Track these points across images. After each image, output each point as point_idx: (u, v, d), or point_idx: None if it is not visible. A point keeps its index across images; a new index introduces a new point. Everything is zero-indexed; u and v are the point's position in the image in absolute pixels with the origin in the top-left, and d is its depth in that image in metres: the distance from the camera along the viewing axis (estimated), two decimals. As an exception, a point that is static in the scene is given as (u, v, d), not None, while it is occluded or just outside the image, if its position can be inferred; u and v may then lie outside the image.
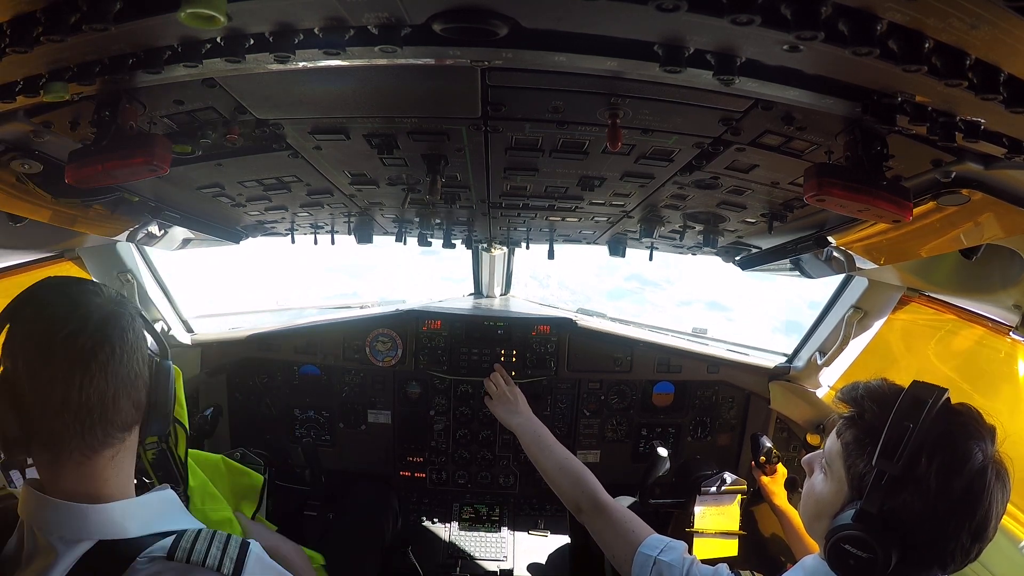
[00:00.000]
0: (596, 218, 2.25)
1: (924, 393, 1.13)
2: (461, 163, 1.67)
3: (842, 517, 1.18)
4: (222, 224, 2.44)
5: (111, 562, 0.99)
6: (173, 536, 1.05)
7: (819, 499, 1.28)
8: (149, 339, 1.16)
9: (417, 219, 2.43)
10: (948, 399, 1.14)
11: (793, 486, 2.66)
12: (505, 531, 3.20)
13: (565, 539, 3.20)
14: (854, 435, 1.21)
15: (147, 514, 1.09)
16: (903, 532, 1.11)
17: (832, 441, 1.28)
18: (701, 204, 1.93)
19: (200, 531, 1.07)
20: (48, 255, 2.31)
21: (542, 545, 3.16)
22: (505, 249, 3.38)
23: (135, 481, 1.16)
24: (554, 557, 3.11)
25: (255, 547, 1.09)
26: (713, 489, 2.49)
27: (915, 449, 1.09)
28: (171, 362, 1.20)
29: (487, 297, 4.07)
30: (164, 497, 1.16)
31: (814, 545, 2.26)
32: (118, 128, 1.18)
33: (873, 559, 1.12)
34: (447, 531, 3.20)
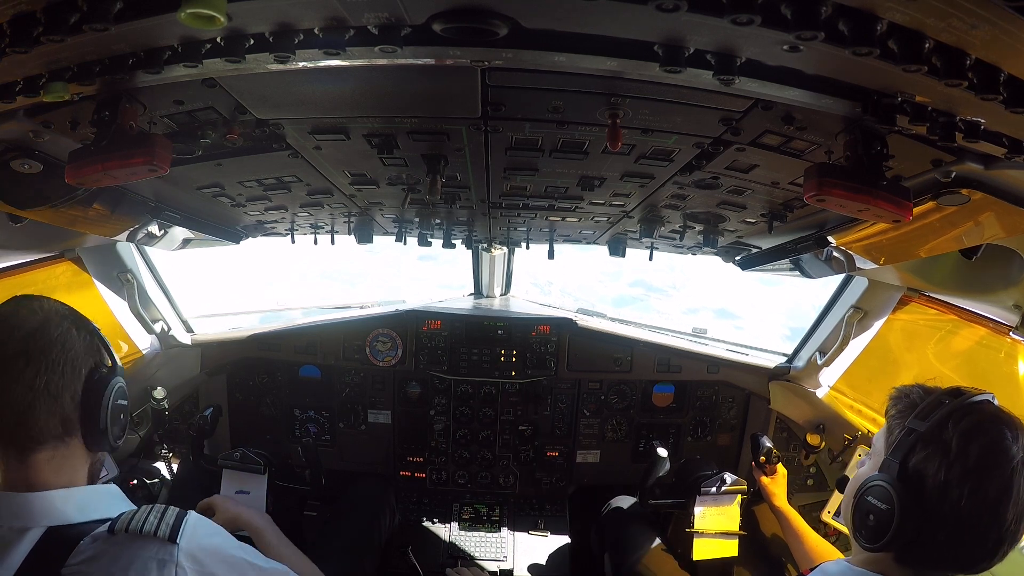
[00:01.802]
0: (596, 218, 2.25)
1: (967, 389, 1.21)
2: (461, 163, 1.67)
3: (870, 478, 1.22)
4: (222, 224, 2.44)
5: (60, 546, 1.06)
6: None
7: (859, 478, 1.31)
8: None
9: (417, 219, 2.43)
10: (992, 401, 1.20)
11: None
12: (505, 531, 3.20)
13: (565, 539, 3.19)
14: (898, 409, 1.26)
15: (88, 501, 1.14)
16: (920, 492, 1.13)
17: (880, 430, 1.32)
18: (701, 204, 1.93)
19: (139, 508, 1.13)
20: (48, 255, 2.31)
21: (542, 545, 3.16)
22: (505, 249, 3.38)
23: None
24: (554, 557, 3.11)
25: (193, 515, 1.16)
26: (713, 489, 2.49)
27: (945, 415, 1.15)
28: (120, 379, 1.22)
29: (487, 297, 4.07)
30: (108, 489, 1.21)
31: (813, 546, 2.28)
32: (118, 128, 1.18)
33: (890, 512, 1.15)
34: (447, 531, 3.20)
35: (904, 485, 1.15)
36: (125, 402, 1.24)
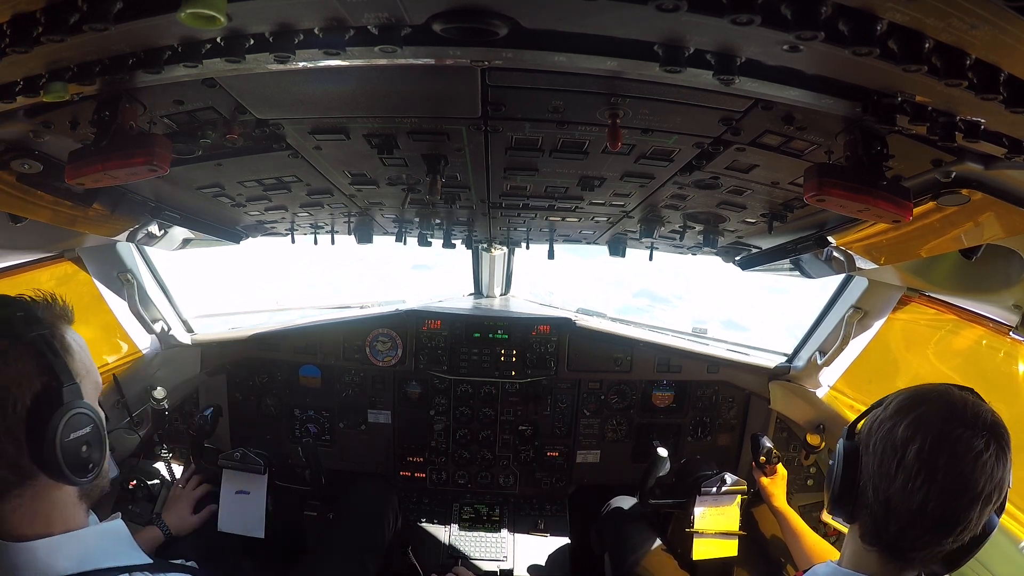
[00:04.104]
0: (596, 218, 2.25)
1: (925, 388, 1.20)
2: (461, 163, 1.67)
3: None
4: (222, 224, 2.44)
5: None
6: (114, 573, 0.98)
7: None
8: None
9: (417, 219, 2.43)
10: (950, 389, 1.18)
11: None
12: (505, 531, 3.20)
13: (565, 539, 3.19)
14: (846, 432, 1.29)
15: (83, 550, 1.00)
16: (862, 488, 1.18)
17: None
18: (701, 204, 1.93)
19: (146, 567, 1.00)
20: (48, 255, 2.31)
21: (542, 545, 3.16)
22: (505, 249, 3.38)
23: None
24: (554, 557, 3.11)
25: None
26: (713, 490, 2.49)
27: (881, 421, 1.18)
28: (76, 404, 0.99)
29: (487, 297, 4.08)
30: (107, 529, 1.06)
31: (813, 546, 2.28)
32: (118, 128, 1.18)
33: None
34: (447, 531, 3.20)
35: (849, 490, 1.20)
36: (88, 429, 1.01)
